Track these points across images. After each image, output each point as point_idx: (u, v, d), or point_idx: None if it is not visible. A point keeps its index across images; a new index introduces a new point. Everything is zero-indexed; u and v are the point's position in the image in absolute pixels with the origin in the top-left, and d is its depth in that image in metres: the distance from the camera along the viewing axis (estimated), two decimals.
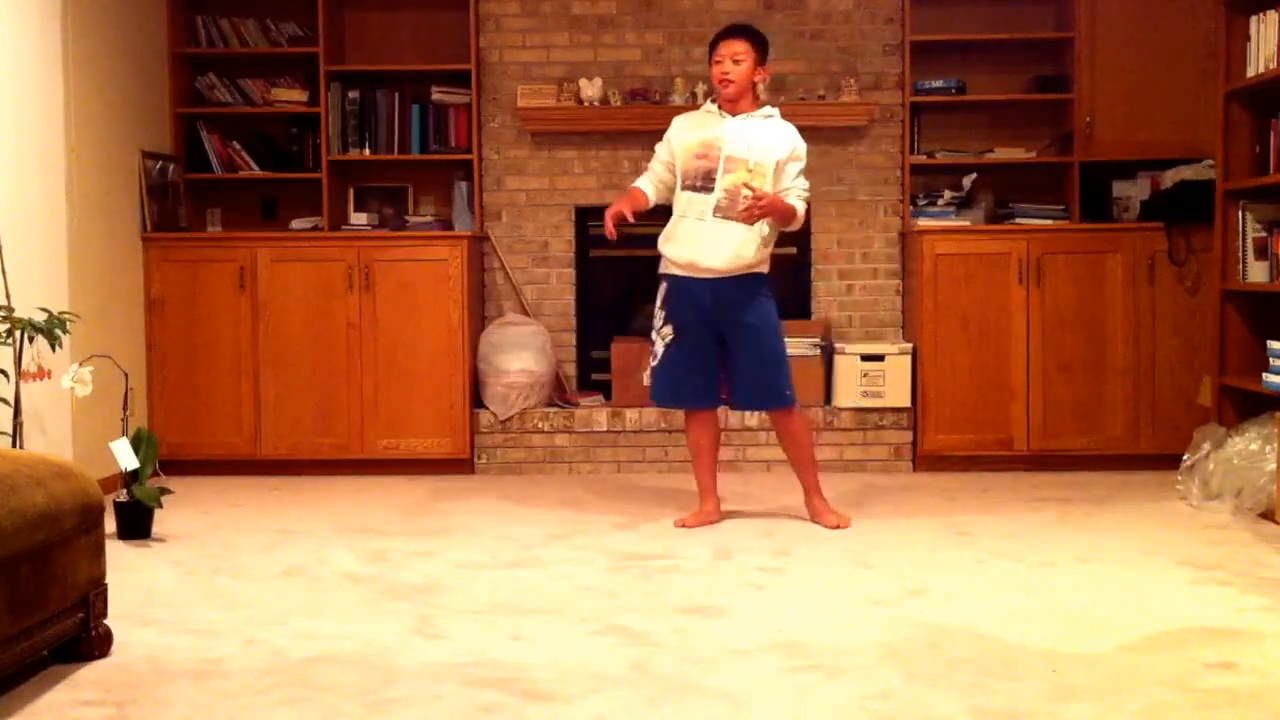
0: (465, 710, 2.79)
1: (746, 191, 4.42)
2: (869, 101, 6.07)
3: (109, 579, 3.27)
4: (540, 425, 5.87)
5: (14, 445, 4.30)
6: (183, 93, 6.11)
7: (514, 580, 3.95)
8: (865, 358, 5.84)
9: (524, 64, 6.21)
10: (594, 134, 6.19)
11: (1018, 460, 5.80)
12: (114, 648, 3.21)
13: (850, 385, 5.85)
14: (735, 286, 4.56)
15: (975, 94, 6.10)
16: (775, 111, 4.67)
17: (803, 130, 4.70)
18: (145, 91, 5.78)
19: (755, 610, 3.57)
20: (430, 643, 3.29)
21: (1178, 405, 5.71)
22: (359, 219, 6.15)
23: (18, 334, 4.31)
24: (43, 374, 4.40)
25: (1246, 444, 4.84)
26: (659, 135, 4.76)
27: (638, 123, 5.96)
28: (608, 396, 6.01)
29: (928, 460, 5.82)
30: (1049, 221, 5.90)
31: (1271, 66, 4.87)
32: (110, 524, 4.25)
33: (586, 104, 6.07)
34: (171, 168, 5.98)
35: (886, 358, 5.83)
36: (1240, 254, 5.21)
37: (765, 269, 4.64)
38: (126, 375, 4.67)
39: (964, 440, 5.80)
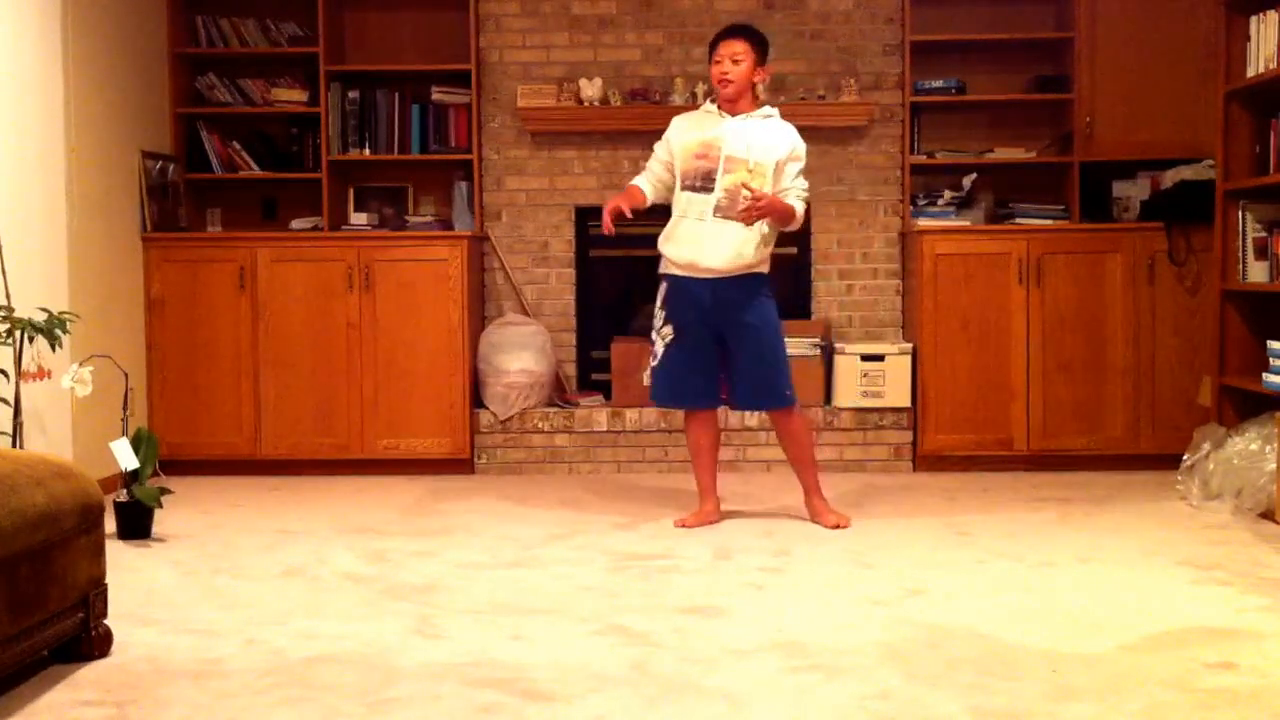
0: (465, 710, 2.79)
1: (745, 192, 4.42)
2: (869, 101, 6.07)
3: (109, 579, 3.27)
4: (540, 425, 5.87)
5: (14, 445, 4.30)
6: (183, 93, 6.11)
7: (514, 580, 3.95)
8: (865, 358, 5.84)
9: (524, 64, 6.21)
10: (594, 134, 6.19)
11: (1018, 460, 5.80)
12: (114, 648, 3.21)
13: (850, 385, 5.85)
14: (735, 286, 4.56)
15: (975, 94, 6.10)
16: (775, 111, 4.67)
17: (803, 130, 4.70)
18: (145, 91, 5.78)
19: (755, 610, 3.57)
20: (430, 643, 3.29)
21: (1178, 405, 5.71)
22: (359, 219, 6.16)
23: (18, 334, 4.31)
24: (43, 374, 4.40)
25: (1246, 444, 4.84)
26: (659, 135, 4.76)
27: (638, 123, 5.95)
28: (608, 396, 6.01)
29: (928, 460, 5.82)
30: (1049, 221, 5.90)
31: (1271, 66, 4.87)
32: (110, 524, 4.25)
33: (586, 104, 6.07)
34: (171, 168, 5.98)
35: (886, 358, 5.83)
36: (1240, 254, 5.20)
37: (765, 269, 4.64)
38: (126, 375, 4.66)
39: (964, 440, 5.80)
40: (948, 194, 6.02)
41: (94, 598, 3.16)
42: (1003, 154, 6.11)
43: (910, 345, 5.86)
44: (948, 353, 5.79)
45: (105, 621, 3.21)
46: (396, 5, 6.24)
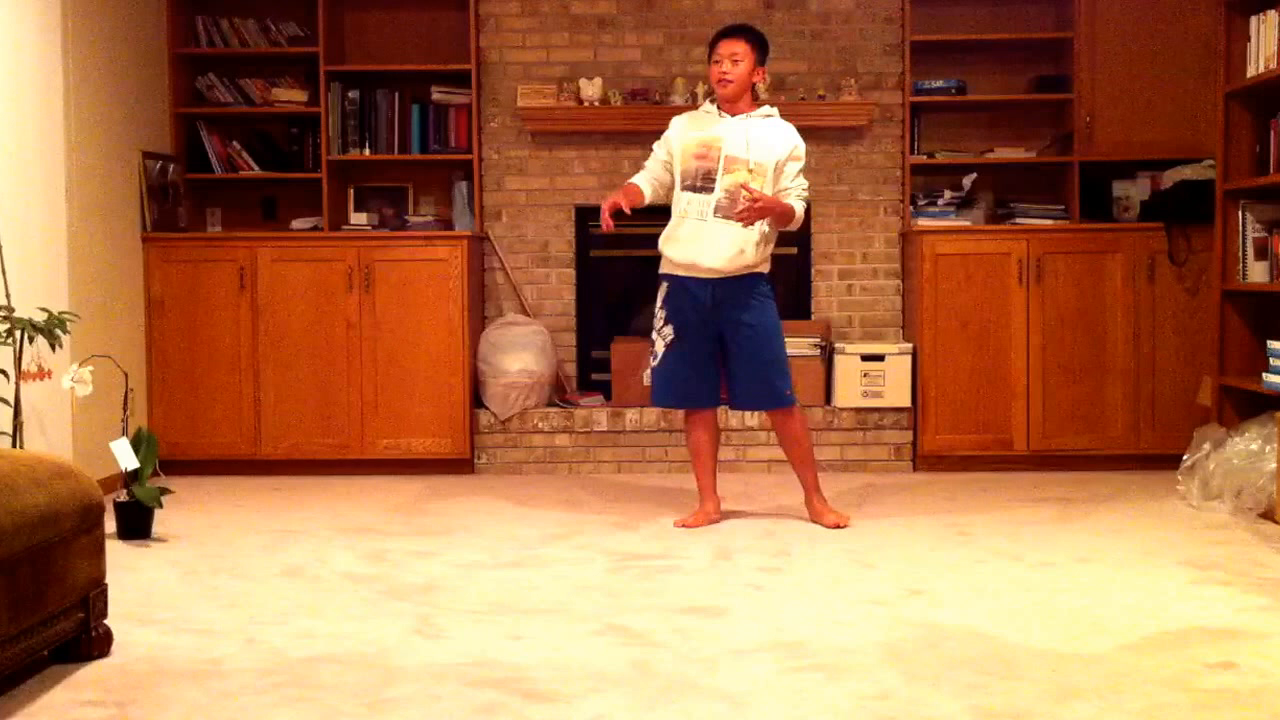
0: (465, 710, 2.79)
1: (744, 193, 4.42)
2: (869, 101, 6.07)
3: (109, 579, 3.27)
4: (540, 425, 5.87)
5: (14, 445, 4.30)
6: (183, 93, 6.11)
7: (514, 580, 3.95)
8: (865, 358, 5.84)
9: (524, 64, 6.21)
10: (594, 134, 6.19)
11: (1018, 460, 5.80)
12: (114, 648, 3.21)
13: (850, 385, 5.85)
14: (735, 286, 4.56)
15: (975, 94, 6.10)
16: (774, 111, 4.67)
17: (803, 130, 4.70)
18: (145, 91, 5.78)
19: (755, 610, 3.57)
20: (430, 643, 3.29)
21: (1178, 405, 5.71)
22: (359, 219, 6.16)
23: (18, 334, 4.31)
24: (43, 374, 4.39)
25: (1246, 444, 4.84)
26: (659, 135, 4.76)
27: (638, 123, 5.95)
28: (608, 396, 6.01)
29: (928, 460, 5.82)
30: (1049, 221, 5.90)
31: (1271, 66, 4.87)
32: (110, 524, 4.25)
33: (586, 104, 6.07)
34: (171, 168, 5.98)
35: (886, 358, 5.83)
36: (1240, 254, 5.20)
37: (766, 269, 4.64)
38: (126, 375, 4.66)
39: (964, 440, 5.80)
40: (948, 194, 6.02)
41: (94, 598, 3.16)
42: (1003, 154, 6.11)
43: (910, 345, 5.86)
44: (948, 353, 5.79)
45: (105, 621, 3.21)
46: (396, 5, 6.24)
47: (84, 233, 5.17)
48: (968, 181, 6.02)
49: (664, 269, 4.67)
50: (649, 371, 4.78)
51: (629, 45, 6.21)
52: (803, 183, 4.62)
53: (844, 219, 6.21)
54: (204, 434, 5.79)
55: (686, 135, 4.63)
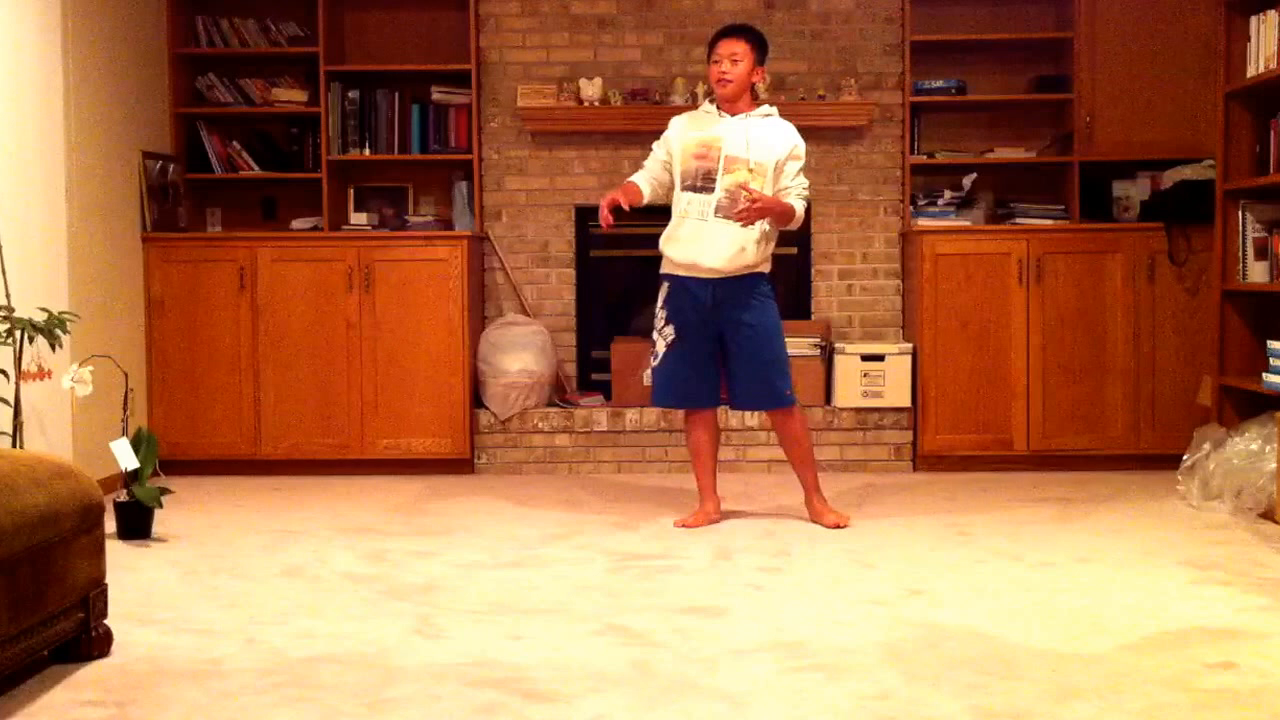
0: (465, 710, 2.79)
1: (743, 193, 4.42)
2: (869, 101, 6.07)
3: (109, 579, 3.27)
4: (540, 425, 5.87)
5: (14, 445, 4.30)
6: (183, 93, 6.11)
7: (514, 580, 3.95)
8: (865, 358, 5.84)
9: (524, 64, 6.21)
10: (594, 134, 6.19)
11: (1018, 460, 5.80)
12: (114, 648, 3.21)
13: (850, 385, 5.85)
14: (736, 286, 4.56)
15: (975, 94, 6.10)
16: (774, 110, 4.67)
17: (803, 130, 4.70)
18: (145, 91, 5.78)
19: (755, 610, 3.57)
20: (430, 643, 3.29)
21: (1178, 405, 5.71)
22: (359, 219, 6.16)
23: (18, 334, 4.31)
24: (43, 374, 4.39)
25: (1246, 444, 4.84)
26: (659, 135, 4.76)
27: (638, 123, 5.95)
28: (608, 396, 6.01)
29: (928, 460, 5.82)
30: (1049, 221, 5.90)
31: (1271, 66, 4.87)
32: (110, 524, 4.25)
33: (586, 104, 6.07)
34: (171, 168, 5.98)
35: (886, 358, 5.84)
36: (1240, 254, 5.20)
37: (767, 268, 4.64)
38: (126, 375, 4.66)
39: (964, 440, 5.80)
40: (948, 194, 6.02)
41: (94, 598, 3.16)
42: (1003, 154, 6.11)
43: (910, 345, 5.86)
44: (948, 353, 5.79)
45: (105, 621, 3.21)
46: (396, 5, 6.24)
47: (84, 233, 5.17)
48: (968, 181, 6.02)
49: (665, 269, 4.67)
50: (649, 371, 4.78)
51: (629, 45, 6.21)
52: (803, 181, 4.62)
53: (844, 219, 6.21)
54: (204, 434, 5.79)
55: (686, 135, 4.63)
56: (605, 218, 4.53)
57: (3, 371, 4.34)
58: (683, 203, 4.60)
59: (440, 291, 5.79)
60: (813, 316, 6.18)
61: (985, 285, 5.77)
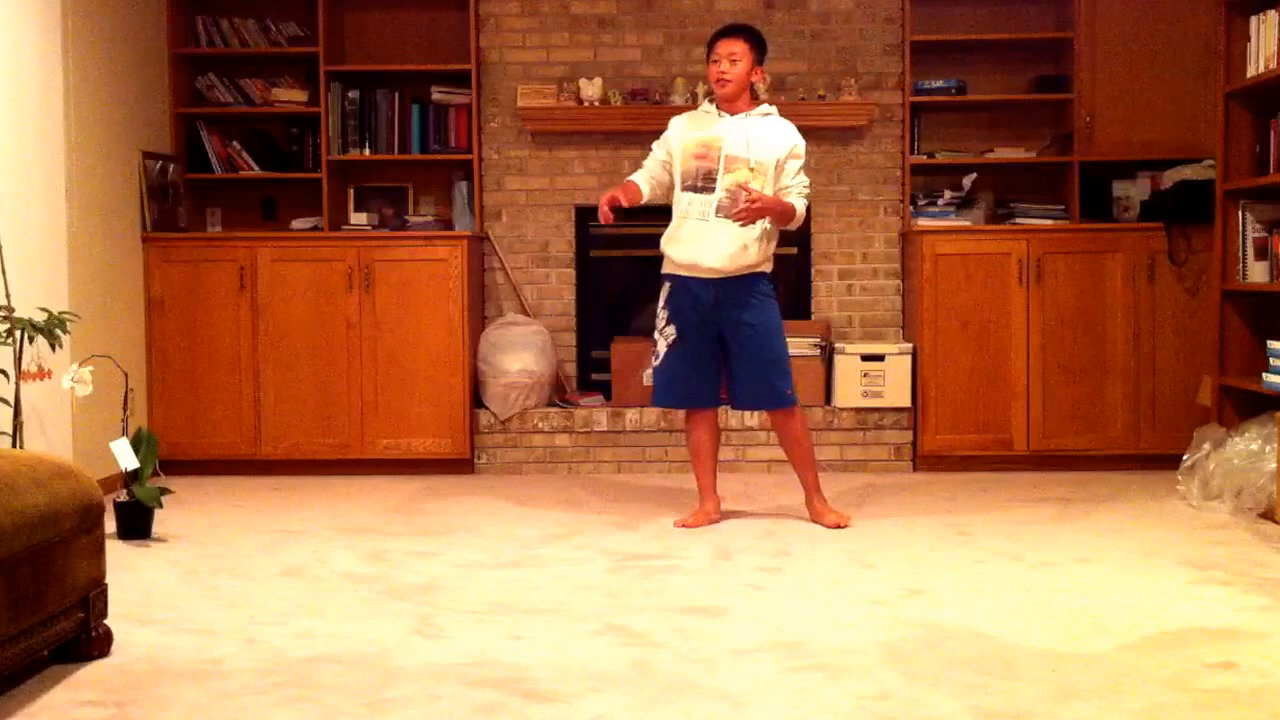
0: (465, 710, 2.79)
1: (743, 193, 4.42)
2: (869, 101, 6.07)
3: (109, 579, 3.27)
4: (540, 425, 5.87)
5: (14, 445, 4.30)
6: (183, 93, 6.11)
7: (514, 580, 3.95)
8: (865, 358, 5.84)
9: (524, 64, 6.21)
10: (594, 134, 6.19)
11: (1018, 460, 5.80)
12: (114, 648, 3.21)
13: (850, 385, 5.85)
14: (737, 286, 4.56)
15: (975, 94, 6.10)
16: (773, 109, 4.68)
17: (803, 130, 4.70)
18: (145, 91, 5.78)
19: (755, 610, 3.57)
20: (430, 643, 3.29)
21: (1178, 405, 5.71)
22: (359, 219, 6.16)
23: (18, 334, 4.31)
24: (43, 374, 4.39)
25: (1246, 444, 4.84)
26: (659, 135, 4.76)
27: (638, 123, 5.95)
28: (608, 396, 6.01)
29: (928, 460, 5.82)
30: (1049, 221, 5.90)
31: (1271, 66, 4.87)
32: (110, 524, 4.25)
33: (586, 104, 6.07)
34: (171, 168, 5.98)
35: (886, 358, 5.84)
36: (1240, 254, 5.20)
37: (768, 268, 4.64)
38: (126, 375, 4.66)
39: (964, 440, 5.80)
40: (948, 194, 6.02)
41: (94, 598, 3.16)
42: (1003, 154, 6.11)
43: (910, 345, 5.86)
44: (948, 353, 5.79)
45: (105, 621, 3.21)
46: (396, 5, 6.24)
47: (84, 233, 5.17)
48: (968, 181, 6.02)
49: (666, 269, 4.68)
50: (650, 371, 4.78)
51: (629, 45, 6.21)
52: (803, 180, 4.62)
53: (844, 219, 6.21)
54: (204, 434, 5.80)
55: (686, 135, 4.63)
56: (605, 214, 4.53)
57: (3, 371, 4.34)
58: (683, 203, 4.60)
59: (440, 291, 5.79)
60: (813, 316, 6.18)
61: (985, 285, 5.77)
